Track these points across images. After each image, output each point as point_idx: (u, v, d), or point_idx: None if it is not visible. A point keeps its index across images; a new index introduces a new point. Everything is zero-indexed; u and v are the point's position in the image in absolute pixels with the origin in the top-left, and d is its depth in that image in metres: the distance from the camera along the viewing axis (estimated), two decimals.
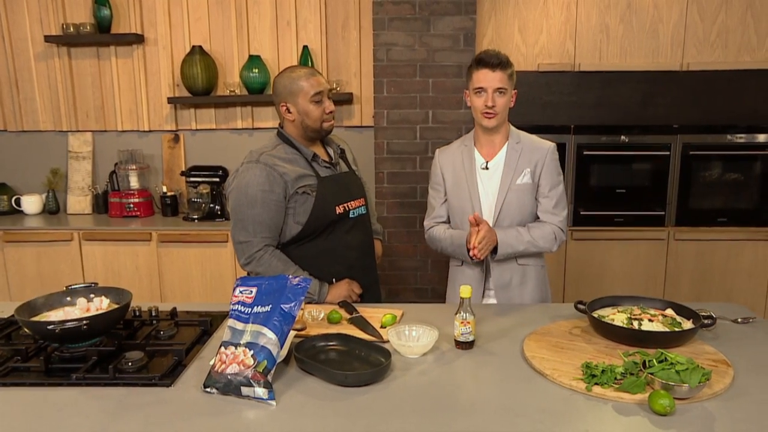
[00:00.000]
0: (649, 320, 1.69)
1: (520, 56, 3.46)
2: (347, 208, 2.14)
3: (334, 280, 2.14)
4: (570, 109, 3.48)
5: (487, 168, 2.15)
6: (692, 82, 3.45)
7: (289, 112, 2.08)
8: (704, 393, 1.38)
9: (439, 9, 3.24)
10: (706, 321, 1.73)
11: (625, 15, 3.41)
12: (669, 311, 1.78)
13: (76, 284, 1.87)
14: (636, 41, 3.43)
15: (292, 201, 2.05)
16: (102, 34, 3.68)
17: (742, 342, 1.72)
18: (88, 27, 3.65)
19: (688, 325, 1.70)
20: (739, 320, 1.87)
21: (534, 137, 2.21)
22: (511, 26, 3.43)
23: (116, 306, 1.75)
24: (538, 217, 2.16)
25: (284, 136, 2.13)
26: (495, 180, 2.14)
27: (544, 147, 2.16)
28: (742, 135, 3.44)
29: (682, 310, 1.78)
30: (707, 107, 3.48)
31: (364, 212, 2.22)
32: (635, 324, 1.68)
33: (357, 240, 2.19)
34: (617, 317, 1.73)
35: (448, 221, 2.25)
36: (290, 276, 1.58)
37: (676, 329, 1.66)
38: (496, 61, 2.00)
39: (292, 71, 2.10)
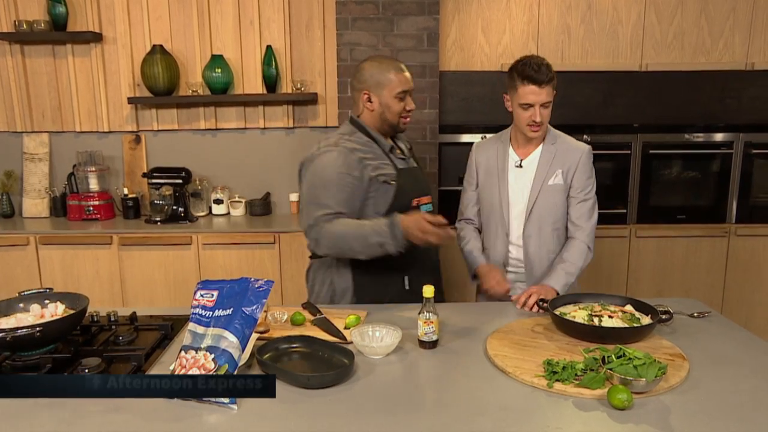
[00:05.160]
0: (609, 317, 1.72)
1: (484, 56, 3.49)
2: (419, 203, 2.12)
3: (406, 279, 2.10)
4: None
5: (521, 166, 2.17)
6: (651, 82, 3.53)
7: (370, 101, 2.04)
8: (661, 387, 1.41)
9: (402, 9, 3.24)
10: (663, 316, 1.78)
11: (586, 16, 3.47)
12: (628, 307, 1.82)
13: (29, 290, 1.82)
14: (596, 42, 3.49)
15: (372, 188, 2.00)
16: (57, 31, 3.57)
17: (698, 336, 1.77)
18: (43, 24, 3.54)
19: (646, 320, 1.74)
20: (696, 315, 1.92)
21: (570, 139, 2.21)
22: (475, 26, 3.46)
23: (72, 312, 1.70)
24: (569, 223, 2.18)
25: (360, 126, 2.08)
26: (527, 179, 2.16)
27: (580, 149, 2.16)
28: (700, 134, 3.53)
29: (641, 306, 1.82)
30: (666, 107, 3.57)
31: (431, 210, 2.19)
32: (596, 321, 1.71)
33: None
34: (578, 314, 1.76)
35: (478, 216, 2.29)
36: (252, 279, 1.56)
37: (635, 325, 1.69)
38: (545, 79, 1.99)
39: (381, 62, 2.05)
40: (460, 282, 3.29)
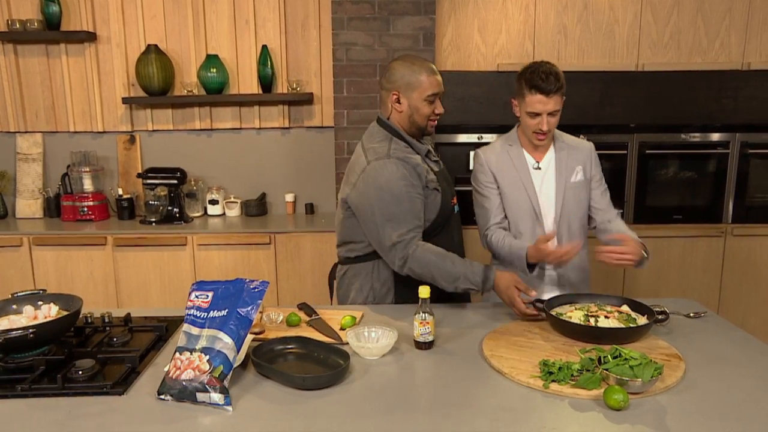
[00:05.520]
0: (605, 317, 1.72)
1: (480, 56, 3.48)
2: (452, 204, 2.10)
3: None
4: None
5: (539, 168, 2.16)
6: (647, 82, 3.52)
7: (399, 102, 1.98)
8: (657, 387, 1.41)
9: (398, 9, 3.23)
10: (659, 316, 1.77)
11: (582, 16, 3.46)
12: (624, 308, 1.81)
13: (22, 291, 1.80)
14: (593, 42, 3.49)
15: (424, 196, 1.96)
16: (51, 31, 3.56)
17: (694, 336, 1.76)
18: (36, 23, 3.52)
19: (642, 321, 1.73)
20: (692, 315, 1.92)
21: (571, 137, 2.24)
22: (471, 26, 3.45)
23: (66, 313, 1.69)
24: (597, 213, 2.21)
25: (394, 130, 2.01)
26: (548, 179, 2.16)
27: (586, 144, 2.22)
28: (696, 134, 3.53)
29: (638, 306, 1.82)
30: (662, 107, 3.56)
31: (459, 209, 2.18)
32: (592, 321, 1.70)
33: (458, 236, 2.15)
34: (574, 315, 1.75)
35: (505, 218, 2.22)
36: (247, 280, 1.56)
37: (631, 325, 1.69)
38: (553, 88, 1.97)
39: (413, 62, 1.98)
40: None
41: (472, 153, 3.47)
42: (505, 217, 2.21)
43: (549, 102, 1.99)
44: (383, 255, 1.97)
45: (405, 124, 2.01)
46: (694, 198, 3.61)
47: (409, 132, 2.03)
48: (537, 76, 1.98)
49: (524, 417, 1.32)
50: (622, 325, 1.68)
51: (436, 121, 2.04)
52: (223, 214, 3.80)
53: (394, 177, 1.89)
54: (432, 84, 1.96)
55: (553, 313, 1.76)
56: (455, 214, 2.14)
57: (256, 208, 3.77)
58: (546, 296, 2.16)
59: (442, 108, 2.02)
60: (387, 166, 1.91)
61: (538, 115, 2.02)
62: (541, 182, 2.16)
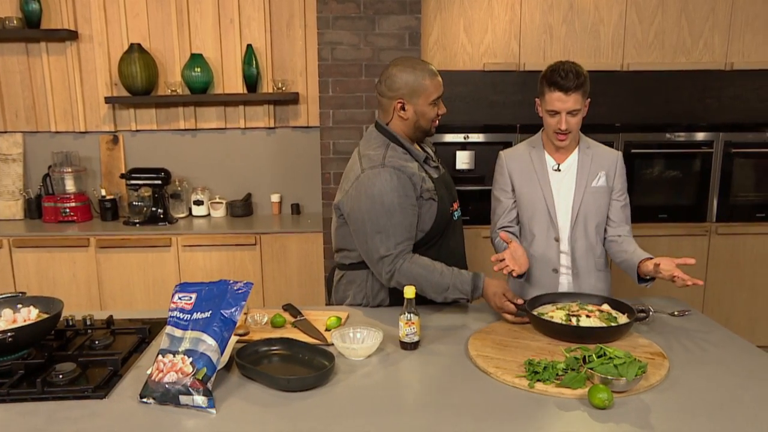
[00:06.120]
0: (587, 316, 1.72)
1: (466, 56, 3.48)
2: (452, 210, 2.06)
3: None
4: (516, 109, 3.53)
5: (559, 170, 2.13)
6: (632, 81, 3.54)
7: (404, 110, 1.93)
8: (641, 385, 1.41)
9: (383, 8, 3.22)
10: (640, 314, 1.78)
11: (568, 15, 3.48)
12: (605, 306, 1.82)
13: (1, 294, 1.77)
14: (578, 41, 3.51)
15: (419, 206, 1.92)
16: (31, 29, 3.51)
17: (677, 334, 1.78)
18: (15, 21, 3.47)
19: (623, 319, 1.74)
20: (676, 313, 1.94)
21: (600, 144, 2.20)
22: (457, 26, 3.45)
23: (46, 316, 1.66)
24: (611, 224, 2.16)
25: (392, 136, 1.97)
26: (568, 182, 2.12)
27: (614, 153, 2.18)
28: (681, 133, 3.56)
29: (618, 305, 1.82)
30: (647, 106, 3.59)
31: (460, 214, 2.14)
32: (573, 320, 1.71)
33: (459, 243, 2.11)
34: (556, 314, 1.75)
35: (516, 223, 2.20)
36: (230, 281, 1.54)
37: (612, 324, 1.69)
38: (572, 86, 1.94)
39: (414, 67, 1.93)
40: None
41: (457, 152, 3.49)
42: (517, 221, 2.20)
43: (568, 100, 1.97)
44: (371, 266, 1.96)
45: (409, 130, 1.98)
46: (678, 197, 3.64)
47: (413, 137, 2.00)
48: (556, 74, 1.97)
49: (509, 416, 1.32)
50: (604, 324, 1.69)
51: (437, 122, 2.01)
52: (208, 214, 3.77)
53: (387, 187, 1.86)
54: (436, 87, 1.94)
55: (535, 313, 1.76)
56: (455, 221, 2.09)
57: (242, 209, 3.75)
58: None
59: (444, 108, 2.00)
60: (381, 176, 1.87)
61: (557, 113, 2.00)
62: (560, 184, 2.13)
